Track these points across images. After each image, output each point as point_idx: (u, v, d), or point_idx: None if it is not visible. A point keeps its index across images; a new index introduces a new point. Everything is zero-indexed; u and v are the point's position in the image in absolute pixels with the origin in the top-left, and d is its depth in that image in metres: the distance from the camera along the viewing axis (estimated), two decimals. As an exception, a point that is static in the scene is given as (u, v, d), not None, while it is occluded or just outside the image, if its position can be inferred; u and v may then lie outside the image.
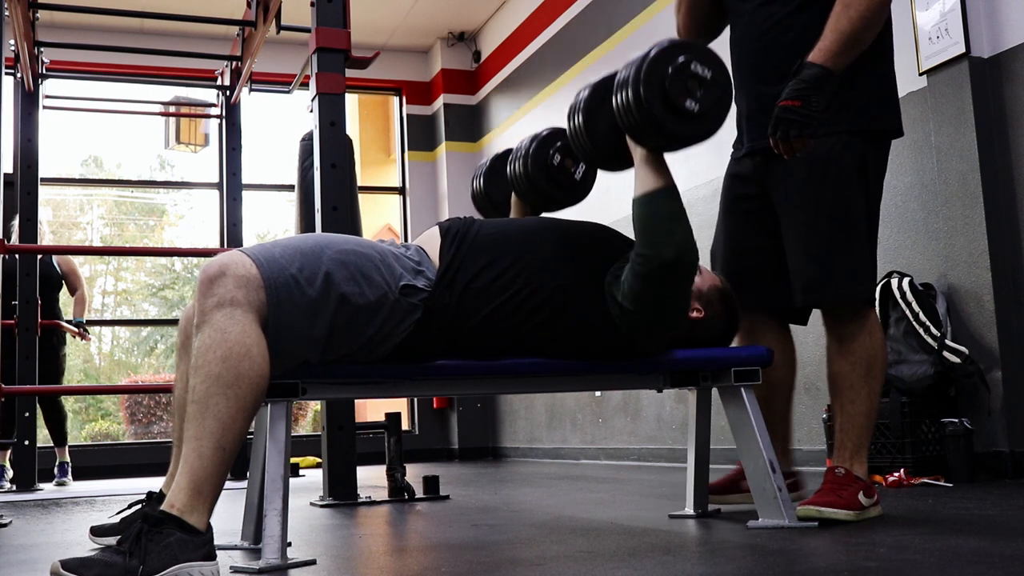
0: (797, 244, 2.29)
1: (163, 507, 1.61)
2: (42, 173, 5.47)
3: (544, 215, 2.42)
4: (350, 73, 3.66)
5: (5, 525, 2.92)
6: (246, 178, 5.79)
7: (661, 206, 1.99)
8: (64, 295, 6.03)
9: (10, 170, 5.40)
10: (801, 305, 2.35)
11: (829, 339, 2.35)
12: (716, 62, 1.99)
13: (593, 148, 2.13)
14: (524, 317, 1.98)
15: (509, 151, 2.53)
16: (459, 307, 1.94)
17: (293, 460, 5.66)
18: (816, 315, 2.47)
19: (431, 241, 2.04)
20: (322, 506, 3.26)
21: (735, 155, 2.49)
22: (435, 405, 7.71)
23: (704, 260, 2.34)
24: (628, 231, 2.09)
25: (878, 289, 3.57)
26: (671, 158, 2.05)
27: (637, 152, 2.03)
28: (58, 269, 5.90)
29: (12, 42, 4.74)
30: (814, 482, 3.46)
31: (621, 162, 2.13)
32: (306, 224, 4.18)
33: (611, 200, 5.67)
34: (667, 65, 1.93)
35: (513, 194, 2.49)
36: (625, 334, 2.02)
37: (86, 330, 5.94)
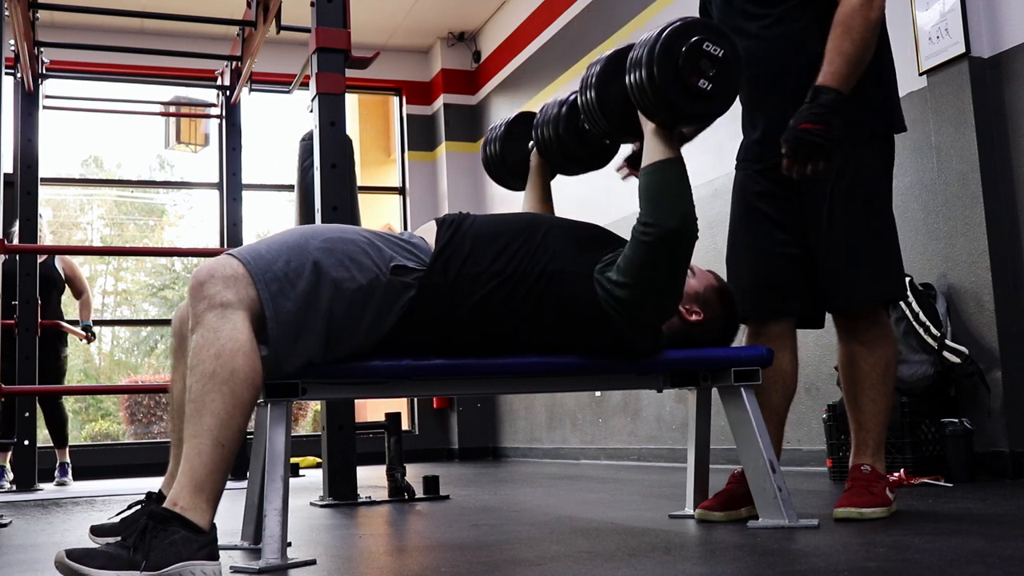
0: (842, 248, 2.30)
1: (166, 505, 1.61)
2: (42, 173, 5.47)
3: (537, 213, 2.42)
4: (350, 73, 3.66)
5: (5, 525, 2.92)
6: (246, 178, 5.80)
7: (669, 176, 2.03)
8: (65, 296, 6.03)
9: (10, 170, 5.40)
10: (844, 308, 2.35)
11: (849, 340, 2.36)
12: (728, 40, 2.01)
13: (606, 121, 2.16)
14: (517, 303, 1.98)
15: (524, 114, 2.59)
16: (453, 291, 1.94)
17: (293, 460, 5.66)
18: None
19: (428, 232, 2.06)
20: (322, 506, 3.26)
21: (745, 168, 2.49)
22: (435, 405, 7.71)
23: (696, 260, 2.33)
24: (627, 231, 2.09)
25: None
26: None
27: (648, 126, 2.07)
28: (60, 271, 5.90)
29: (12, 42, 4.74)
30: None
31: (633, 134, 2.17)
32: (306, 224, 4.18)
33: (611, 201, 5.68)
34: (680, 45, 1.95)
35: (533, 156, 2.53)
36: (616, 325, 2.01)
37: (93, 334, 5.95)
